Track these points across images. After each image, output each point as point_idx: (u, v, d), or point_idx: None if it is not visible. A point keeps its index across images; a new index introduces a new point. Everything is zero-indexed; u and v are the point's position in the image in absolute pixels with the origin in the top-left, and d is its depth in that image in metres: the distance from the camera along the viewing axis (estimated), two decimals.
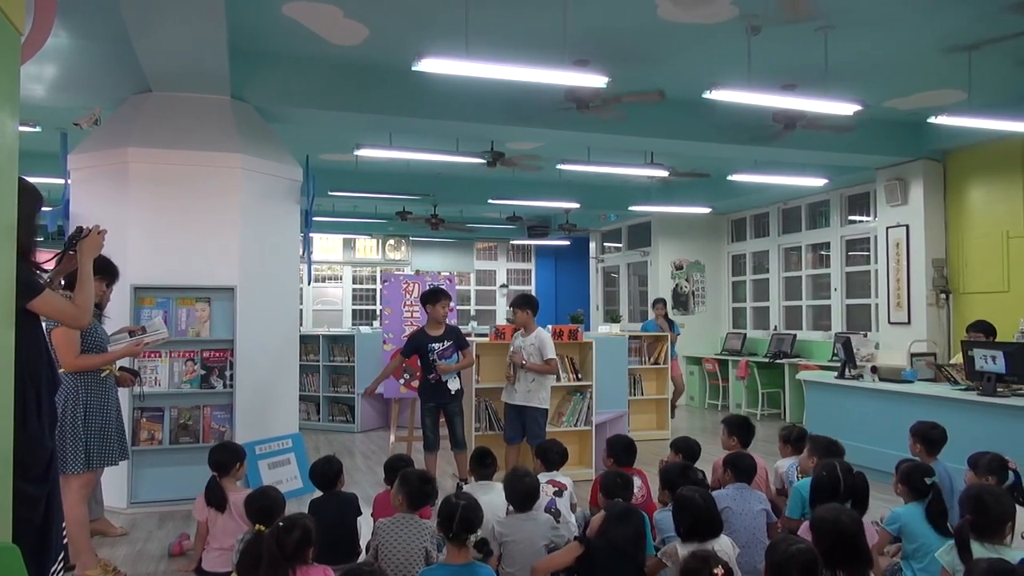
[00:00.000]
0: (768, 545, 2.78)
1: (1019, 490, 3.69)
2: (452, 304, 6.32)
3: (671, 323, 9.65)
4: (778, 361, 10.02)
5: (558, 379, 6.44)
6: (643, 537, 3.15)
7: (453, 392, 5.62)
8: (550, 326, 6.51)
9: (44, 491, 2.33)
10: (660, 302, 9.89)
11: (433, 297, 5.68)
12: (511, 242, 17.27)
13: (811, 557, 2.49)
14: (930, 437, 4.18)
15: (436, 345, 5.59)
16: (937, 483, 3.53)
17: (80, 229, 2.93)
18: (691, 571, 2.59)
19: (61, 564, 2.42)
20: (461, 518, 2.96)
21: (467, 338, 5.89)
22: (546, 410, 5.77)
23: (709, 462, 4.53)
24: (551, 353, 5.70)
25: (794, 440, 4.62)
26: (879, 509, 4.34)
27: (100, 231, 2.97)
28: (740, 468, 3.88)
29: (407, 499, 3.49)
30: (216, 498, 4.00)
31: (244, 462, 4.23)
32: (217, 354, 5.60)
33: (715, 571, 2.53)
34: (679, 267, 12.60)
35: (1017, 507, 3.09)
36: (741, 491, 3.76)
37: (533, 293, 17.62)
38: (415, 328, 6.02)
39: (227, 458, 4.14)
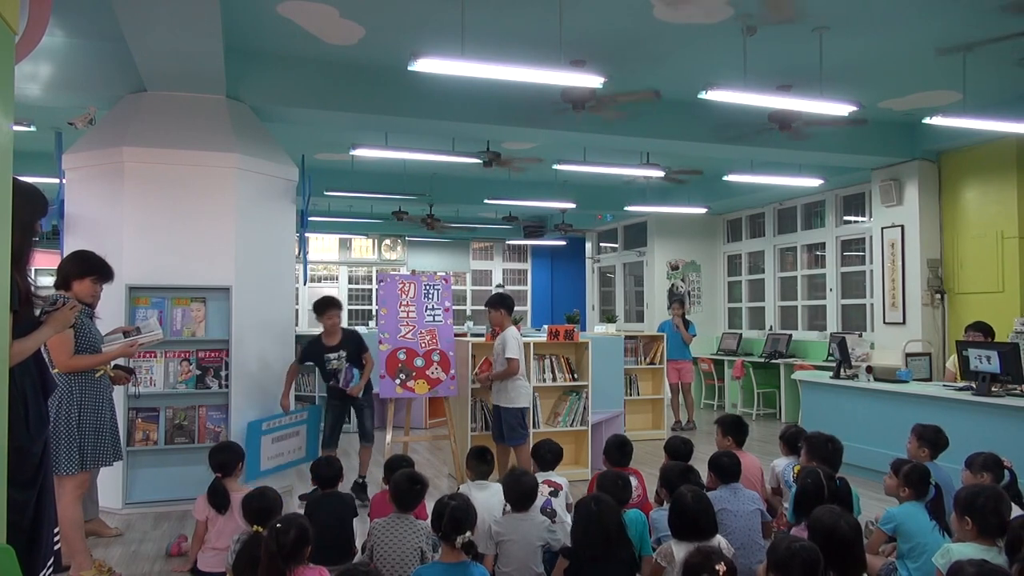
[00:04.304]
0: (770, 544, 2.79)
1: (1015, 489, 3.71)
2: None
3: (687, 323, 9.40)
4: (774, 361, 10.03)
5: (554, 378, 6.45)
6: (613, 541, 3.10)
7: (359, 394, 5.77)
8: (546, 326, 6.52)
9: (31, 495, 2.30)
10: (677, 302, 9.65)
11: (321, 307, 5.78)
12: (507, 242, 17.26)
13: (814, 556, 2.50)
14: (936, 442, 4.18)
15: (332, 356, 5.72)
16: (939, 484, 3.55)
17: (56, 300, 2.87)
18: (693, 566, 2.59)
19: (51, 569, 2.41)
20: (449, 518, 2.97)
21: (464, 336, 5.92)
22: (519, 409, 5.73)
23: (706, 462, 4.53)
24: (511, 352, 5.66)
25: (786, 439, 4.62)
26: (874, 509, 4.35)
27: (72, 307, 2.87)
28: (720, 467, 3.88)
29: (395, 500, 3.49)
30: (219, 500, 3.99)
31: (244, 461, 4.22)
32: (212, 354, 5.58)
33: (717, 567, 2.53)
34: (675, 267, 12.61)
35: (1013, 505, 3.10)
36: (735, 491, 3.77)
37: (529, 293, 17.64)
38: (309, 336, 6.10)
39: (229, 458, 4.12)
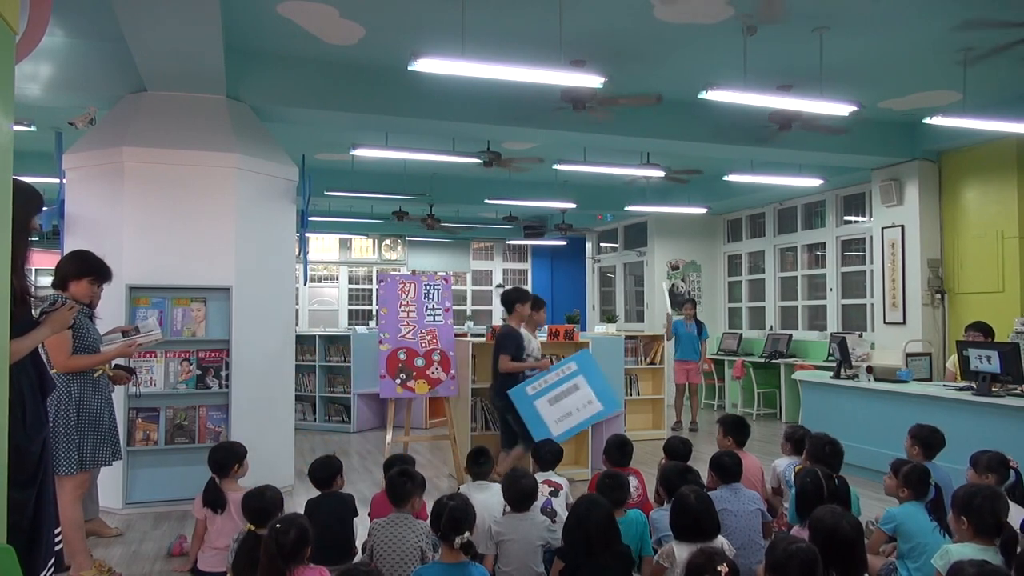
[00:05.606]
0: (769, 544, 2.78)
1: (1020, 490, 3.69)
2: (449, 304, 6.40)
3: (700, 325, 9.34)
4: (774, 361, 10.03)
5: None
6: (595, 542, 3.10)
7: None
8: (546, 326, 6.53)
9: (30, 495, 2.30)
10: (689, 302, 9.60)
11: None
12: (507, 242, 17.27)
13: (812, 556, 2.50)
14: (931, 442, 4.17)
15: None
16: (939, 484, 3.54)
17: (55, 301, 2.86)
18: (696, 567, 2.59)
19: (52, 569, 2.40)
20: (448, 518, 2.97)
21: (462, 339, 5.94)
22: None
23: (706, 462, 4.53)
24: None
25: (795, 440, 4.61)
26: (874, 509, 4.35)
27: (71, 308, 2.87)
28: (721, 467, 3.88)
29: (389, 495, 3.51)
30: (212, 499, 3.99)
31: (244, 462, 4.20)
32: (213, 354, 5.58)
33: (719, 568, 2.53)
34: (675, 267, 12.61)
35: (1013, 504, 3.10)
36: (735, 491, 3.76)
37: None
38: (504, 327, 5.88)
39: (225, 459, 4.11)
